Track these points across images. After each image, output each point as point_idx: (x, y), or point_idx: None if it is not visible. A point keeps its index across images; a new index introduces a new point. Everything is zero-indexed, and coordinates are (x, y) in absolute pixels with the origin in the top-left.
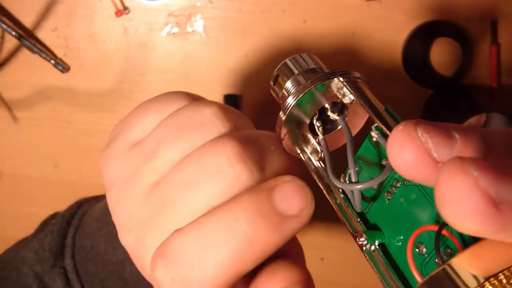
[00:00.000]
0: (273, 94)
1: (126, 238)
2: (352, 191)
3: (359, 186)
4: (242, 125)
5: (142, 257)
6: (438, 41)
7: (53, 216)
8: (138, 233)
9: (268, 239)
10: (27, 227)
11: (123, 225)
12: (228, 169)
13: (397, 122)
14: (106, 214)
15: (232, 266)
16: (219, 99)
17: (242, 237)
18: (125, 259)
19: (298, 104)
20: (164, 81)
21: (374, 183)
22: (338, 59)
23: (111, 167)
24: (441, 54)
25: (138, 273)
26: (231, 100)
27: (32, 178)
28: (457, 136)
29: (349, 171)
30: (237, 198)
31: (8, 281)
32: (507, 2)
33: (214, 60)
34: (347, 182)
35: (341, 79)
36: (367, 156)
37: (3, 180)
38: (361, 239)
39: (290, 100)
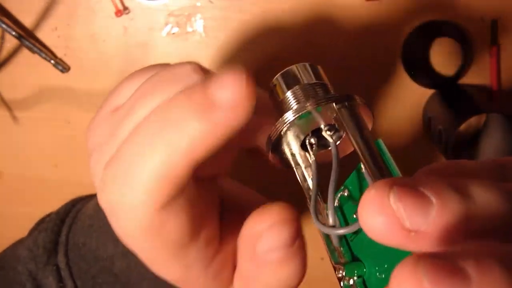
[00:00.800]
0: (269, 96)
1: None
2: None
3: (335, 231)
4: None
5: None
6: (438, 41)
7: (49, 215)
8: None
9: (198, 129)
10: (27, 227)
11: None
12: (188, 78)
13: (385, 160)
14: (98, 210)
15: (166, 167)
16: None
17: (172, 127)
18: (114, 254)
19: (293, 124)
20: None
21: (352, 230)
22: (338, 59)
23: (93, 132)
24: (441, 54)
25: (128, 267)
26: None
27: (32, 178)
28: (434, 200)
29: (327, 211)
30: (174, 97)
31: (6, 281)
32: (507, 2)
33: (214, 60)
34: (325, 225)
35: (335, 105)
36: (354, 187)
37: (3, 180)
38: (340, 272)
39: (289, 116)
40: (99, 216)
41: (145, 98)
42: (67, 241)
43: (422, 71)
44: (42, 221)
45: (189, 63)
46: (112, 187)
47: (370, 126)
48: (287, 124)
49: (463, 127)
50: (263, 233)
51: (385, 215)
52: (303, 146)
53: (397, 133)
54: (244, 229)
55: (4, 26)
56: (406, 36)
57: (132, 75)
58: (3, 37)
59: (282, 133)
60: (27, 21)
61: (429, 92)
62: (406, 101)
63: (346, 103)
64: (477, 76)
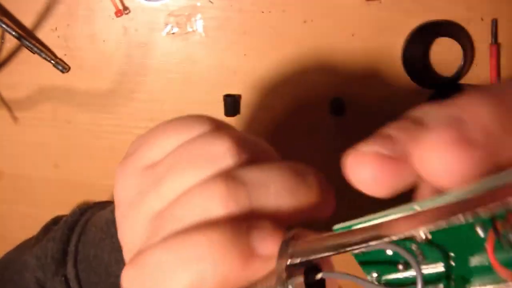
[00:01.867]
0: None
1: (127, 257)
2: None
3: None
4: (258, 156)
5: None
6: (438, 41)
7: (55, 220)
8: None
9: (233, 270)
10: (27, 227)
11: (126, 245)
12: (214, 210)
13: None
14: (110, 226)
15: None
16: (219, 99)
17: (210, 261)
18: None
19: None
20: (164, 81)
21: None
22: (338, 59)
23: (122, 184)
24: (441, 54)
25: None
26: (231, 100)
27: (32, 178)
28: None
29: None
30: (216, 224)
31: (11, 283)
32: (507, 2)
33: (214, 60)
34: None
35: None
36: None
37: (4, 180)
38: None
39: None
40: (112, 232)
41: (177, 173)
42: (76, 252)
43: (422, 71)
44: (48, 228)
45: (223, 139)
46: None
47: None
48: None
49: None
50: None
51: (370, 160)
52: None
53: None
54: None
55: (4, 26)
56: (406, 36)
57: (166, 128)
58: (3, 37)
59: None
60: (27, 21)
61: (429, 92)
62: (406, 101)
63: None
64: (477, 76)
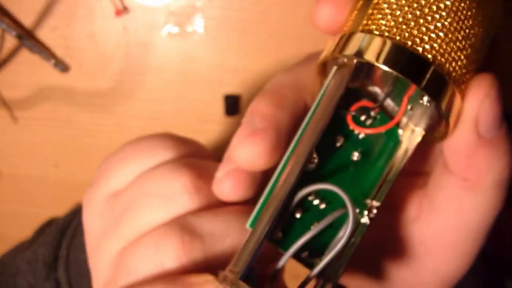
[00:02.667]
0: None
1: (95, 286)
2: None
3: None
4: (214, 200)
5: None
6: None
7: (49, 223)
8: None
9: None
10: (27, 227)
11: (94, 278)
12: (168, 266)
13: None
14: None
15: None
16: (219, 99)
17: None
18: None
19: None
20: (164, 80)
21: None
22: None
23: (89, 213)
24: None
25: None
26: (231, 100)
27: (32, 178)
28: None
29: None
30: (154, 282)
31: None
32: (507, 3)
33: (214, 60)
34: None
35: None
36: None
37: (3, 180)
38: None
39: None
40: None
41: (134, 213)
42: (67, 256)
43: None
44: (42, 230)
45: (180, 176)
46: None
47: None
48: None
49: None
50: (486, 103)
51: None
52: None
53: None
54: (464, 112)
55: (4, 26)
56: None
57: (126, 154)
58: (3, 37)
59: None
60: (27, 21)
61: None
62: None
63: None
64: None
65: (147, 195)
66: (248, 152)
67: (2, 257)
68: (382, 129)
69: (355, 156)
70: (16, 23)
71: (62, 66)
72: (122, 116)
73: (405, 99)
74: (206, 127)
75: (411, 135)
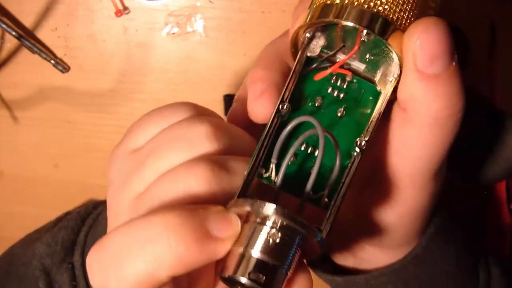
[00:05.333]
0: None
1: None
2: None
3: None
4: (233, 146)
5: None
6: None
7: (68, 213)
8: None
9: (190, 253)
10: (27, 227)
11: (111, 226)
12: (197, 190)
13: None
14: None
15: (149, 274)
16: (219, 99)
17: (165, 243)
18: None
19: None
20: (164, 81)
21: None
22: None
23: (112, 167)
24: None
25: None
26: (231, 100)
27: (32, 178)
28: None
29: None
30: (172, 209)
31: (15, 276)
32: (507, 3)
33: (214, 60)
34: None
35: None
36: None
37: (3, 180)
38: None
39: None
40: None
41: (158, 156)
42: (85, 242)
43: None
44: (60, 219)
45: (202, 124)
46: (98, 275)
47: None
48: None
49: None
50: (420, 38)
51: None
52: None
53: None
54: (403, 44)
55: (4, 26)
56: None
57: (151, 116)
58: (3, 37)
59: None
60: (27, 21)
61: None
62: None
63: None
64: (477, 77)
65: (171, 140)
66: (261, 105)
67: (12, 249)
68: (337, 66)
69: (340, 112)
70: (16, 23)
71: (62, 66)
72: (122, 116)
73: (358, 40)
74: None
75: (388, 86)
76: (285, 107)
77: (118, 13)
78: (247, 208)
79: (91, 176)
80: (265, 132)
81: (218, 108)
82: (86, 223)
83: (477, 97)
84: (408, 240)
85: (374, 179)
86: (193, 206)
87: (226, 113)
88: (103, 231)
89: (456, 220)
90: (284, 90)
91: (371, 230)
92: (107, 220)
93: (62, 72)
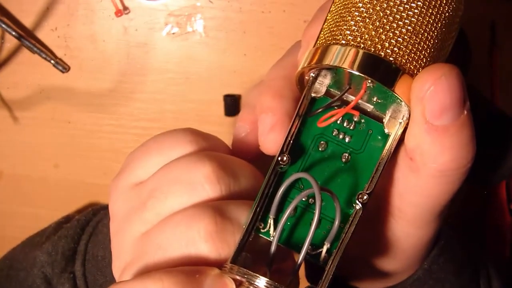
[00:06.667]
0: None
1: (115, 272)
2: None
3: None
4: (236, 185)
5: None
6: None
7: (66, 219)
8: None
9: None
10: (27, 227)
11: (115, 260)
12: (199, 244)
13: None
14: None
15: None
16: (219, 99)
17: None
18: None
19: None
20: (164, 81)
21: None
22: None
23: (114, 200)
24: None
25: None
26: (231, 100)
27: (32, 178)
28: None
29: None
30: (169, 272)
31: (16, 281)
32: (507, 4)
33: (214, 60)
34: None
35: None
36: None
37: (3, 180)
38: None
39: None
40: None
41: (159, 199)
42: (85, 251)
43: None
44: (59, 225)
45: (203, 165)
46: None
47: None
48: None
49: None
50: (430, 91)
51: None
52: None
53: None
54: (411, 94)
55: (4, 26)
56: None
57: (151, 146)
58: (3, 37)
59: None
60: (27, 21)
61: None
62: None
63: None
64: (477, 77)
65: (172, 182)
66: (273, 139)
67: (12, 252)
68: (342, 113)
69: (344, 157)
70: (16, 23)
71: (62, 66)
72: (122, 116)
73: (364, 86)
74: (206, 127)
75: (397, 128)
76: (284, 158)
77: (118, 13)
78: (241, 279)
79: (91, 176)
80: (263, 189)
81: (218, 108)
82: (85, 231)
83: (477, 97)
84: (410, 267)
85: (376, 217)
86: (190, 269)
87: (226, 114)
88: (103, 240)
89: (455, 232)
90: (285, 138)
91: (372, 263)
92: (112, 251)
93: (62, 72)
